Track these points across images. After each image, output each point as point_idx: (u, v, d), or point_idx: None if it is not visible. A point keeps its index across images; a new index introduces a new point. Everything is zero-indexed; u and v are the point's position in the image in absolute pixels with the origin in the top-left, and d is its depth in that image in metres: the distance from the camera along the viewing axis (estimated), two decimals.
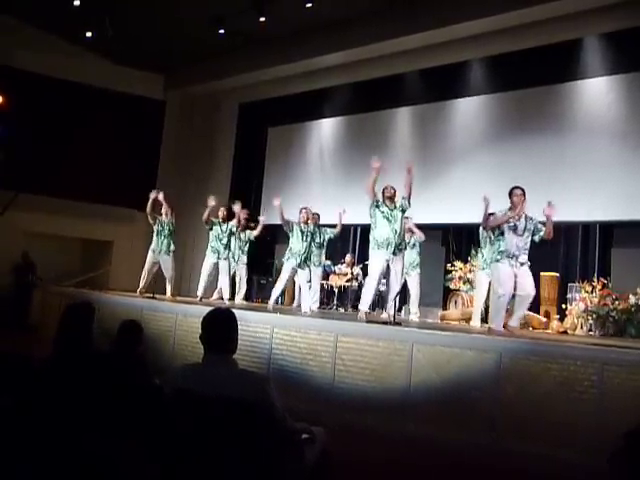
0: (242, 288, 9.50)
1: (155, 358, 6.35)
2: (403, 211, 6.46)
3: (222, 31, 10.61)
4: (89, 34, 11.09)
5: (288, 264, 7.45)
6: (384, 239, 6.30)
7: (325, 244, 8.61)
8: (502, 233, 5.66)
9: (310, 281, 7.57)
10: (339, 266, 10.26)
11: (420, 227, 10.05)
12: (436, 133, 10.19)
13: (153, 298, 8.13)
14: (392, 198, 6.47)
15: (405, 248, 6.74)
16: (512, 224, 5.62)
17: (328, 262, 10.30)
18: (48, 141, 11.74)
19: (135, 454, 2.48)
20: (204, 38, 10.98)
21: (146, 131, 12.94)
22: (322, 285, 10.13)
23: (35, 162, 11.45)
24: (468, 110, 9.92)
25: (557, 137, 8.81)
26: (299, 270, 7.46)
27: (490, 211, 6.19)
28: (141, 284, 8.79)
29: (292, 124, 12.30)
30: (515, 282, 5.59)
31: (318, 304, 8.33)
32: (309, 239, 7.47)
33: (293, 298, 9.74)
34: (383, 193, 6.49)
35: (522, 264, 5.61)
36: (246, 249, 9.51)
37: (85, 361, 2.74)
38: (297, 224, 7.49)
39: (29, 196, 10.49)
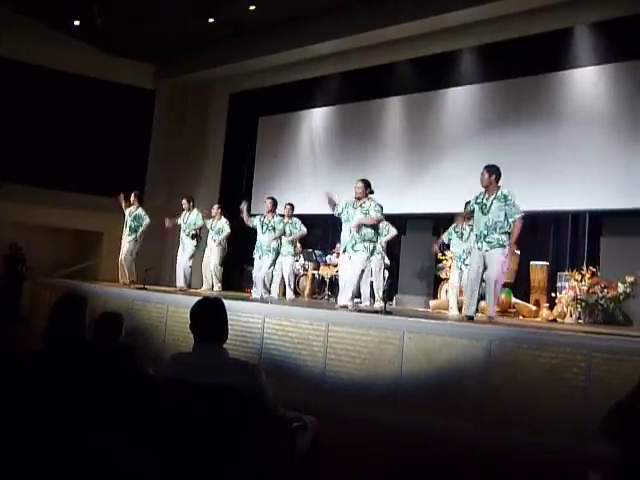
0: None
1: (146, 348, 6.36)
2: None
3: (212, 20, 10.52)
4: (77, 22, 10.95)
5: None
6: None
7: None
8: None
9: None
10: (329, 256, 10.27)
11: (410, 217, 10.12)
12: (427, 122, 10.17)
13: (144, 289, 8.12)
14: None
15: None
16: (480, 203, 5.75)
17: (319, 252, 10.33)
18: (36, 130, 11.61)
19: (128, 443, 2.49)
20: (194, 27, 10.86)
21: (136, 121, 12.81)
22: (313, 275, 10.17)
23: (23, 152, 11.33)
24: (458, 99, 9.90)
25: (547, 126, 8.81)
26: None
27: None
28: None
29: (283, 113, 12.24)
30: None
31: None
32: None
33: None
34: None
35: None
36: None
37: (77, 353, 2.74)
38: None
39: (17, 186, 10.39)
